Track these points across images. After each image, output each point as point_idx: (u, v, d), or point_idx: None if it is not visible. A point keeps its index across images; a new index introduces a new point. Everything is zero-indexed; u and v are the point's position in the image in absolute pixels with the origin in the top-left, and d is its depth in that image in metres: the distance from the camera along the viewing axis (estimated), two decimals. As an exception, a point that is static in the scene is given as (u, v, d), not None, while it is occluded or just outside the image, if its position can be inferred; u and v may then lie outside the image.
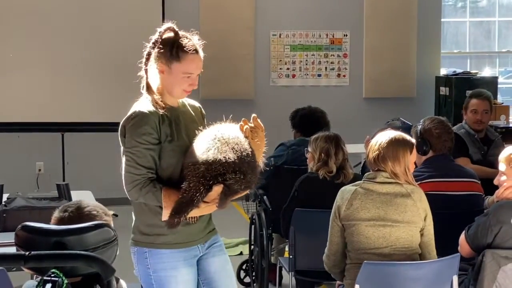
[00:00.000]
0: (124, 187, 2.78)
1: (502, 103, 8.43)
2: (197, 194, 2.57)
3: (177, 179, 2.71)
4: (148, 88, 2.87)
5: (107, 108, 7.45)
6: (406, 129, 4.42)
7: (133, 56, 7.34)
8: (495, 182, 3.40)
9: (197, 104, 3.06)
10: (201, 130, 2.77)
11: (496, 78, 8.73)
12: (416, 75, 8.69)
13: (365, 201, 3.25)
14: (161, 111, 2.79)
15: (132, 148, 2.75)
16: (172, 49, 2.80)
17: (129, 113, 2.81)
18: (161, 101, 2.83)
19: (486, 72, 9.34)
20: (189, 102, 3.02)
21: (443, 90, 8.47)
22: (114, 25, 7.49)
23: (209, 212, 2.88)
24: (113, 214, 7.46)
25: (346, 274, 3.29)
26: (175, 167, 2.76)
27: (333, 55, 8.56)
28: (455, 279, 3.17)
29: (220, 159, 2.57)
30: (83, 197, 4.76)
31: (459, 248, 3.35)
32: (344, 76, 8.62)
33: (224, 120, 2.76)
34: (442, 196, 3.96)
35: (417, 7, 8.60)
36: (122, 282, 2.23)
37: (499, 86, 8.63)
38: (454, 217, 3.85)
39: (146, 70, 2.87)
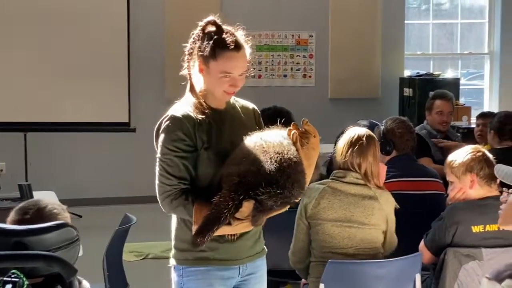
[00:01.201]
0: (157, 198, 2.55)
1: (464, 104, 8.54)
2: (225, 211, 2.29)
3: (216, 191, 2.39)
4: (192, 89, 2.60)
5: (70, 108, 7.39)
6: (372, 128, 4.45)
7: (94, 53, 7.40)
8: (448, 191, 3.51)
9: (251, 105, 2.75)
10: (250, 136, 2.47)
11: (458, 79, 8.84)
12: (381, 76, 8.76)
13: (333, 201, 3.26)
14: (199, 116, 2.52)
15: (163, 156, 2.51)
16: (208, 46, 2.52)
17: (163, 117, 2.58)
18: (203, 103, 2.56)
19: (449, 73, 9.45)
20: (242, 103, 2.73)
21: (407, 91, 8.55)
22: (75, 21, 7.41)
23: (245, 230, 2.54)
24: (77, 215, 7.45)
25: (311, 272, 3.31)
26: (213, 177, 2.47)
27: (299, 56, 8.59)
28: (418, 277, 3.21)
29: (253, 170, 2.29)
30: (46, 197, 4.71)
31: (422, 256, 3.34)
32: (310, 76, 8.66)
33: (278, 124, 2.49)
34: (405, 196, 3.99)
35: (381, 9, 8.67)
36: (85, 282, 2.20)
37: (461, 87, 8.75)
38: (417, 216, 3.88)
39: (189, 68, 2.60)
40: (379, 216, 3.28)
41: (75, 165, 8.03)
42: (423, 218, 3.66)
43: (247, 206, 2.30)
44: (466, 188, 3.33)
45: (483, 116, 6.04)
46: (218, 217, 2.29)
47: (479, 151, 3.39)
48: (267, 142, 2.36)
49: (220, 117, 2.59)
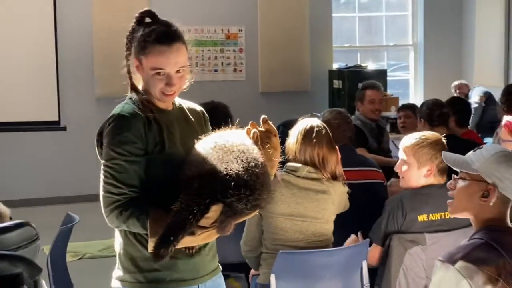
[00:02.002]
0: (103, 211, 2.21)
1: (392, 95, 8.75)
2: (190, 217, 2.00)
3: (170, 199, 2.08)
4: (133, 88, 2.34)
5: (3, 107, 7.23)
6: None
7: (21, 52, 7.23)
8: (397, 169, 3.51)
9: (198, 107, 2.50)
10: (201, 139, 2.23)
11: (385, 70, 9.05)
12: (310, 69, 8.87)
13: (286, 195, 3.27)
14: (149, 114, 2.26)
15: (110, 161, 2.20)
16: (139, 39, 2.25)
17: (107, 118, 2.28)
18: (149, 102, 2.29)
19: (376, 65, 9.66)
20: (189, 105, 2.46)
21: (336, 83, 8.70)
22: (0, 19, 7.23)
23: (207, 241, 2.25)
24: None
25: (262, 263, 3.33)
26: (167, 183, 2.16)
27: (229, 50, 8.61)
28: (365, 264, 3.28)
29: (219, 171, 2.05)
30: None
31: (370, 258, 3.33)
32: (240, 71, 8.69)
33: (230, 125, 2.27)
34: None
35: (308, 3, 8.78)
36: (42, 281, 2.18)
37: (388, 78, 8.95)
38: (358, 205, 3.95)
39: (127, 65, 2.32)
40: (331, 210, 3.33)
41: (5, 165, 7.83)
42: (363, 207, 3.73)
43: (215, 211, 2.02)
44: (419, 175, 3.38)
45: (404, 108, 6.27)
46: (182, 224, 2.00)
47: (441, 142, 3.39)
48: (229, 142, 2.12)
49: (168, 118, 2.32)
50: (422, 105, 5.12)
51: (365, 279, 3.28)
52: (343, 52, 9.68)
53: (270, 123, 2.27)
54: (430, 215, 3.25)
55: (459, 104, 5.44)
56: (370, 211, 3.56)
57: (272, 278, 3.11)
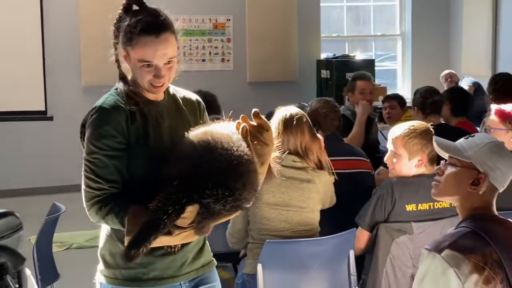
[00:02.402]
0: (84, 205, 2.18)
1: (380, 85, 8.74)
2: (164, 217, 1.91)
3: (153, 196, 2.00)
4: (121, 77, 2.25)
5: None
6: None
7: (8, 41, 7.15)
8: (386, 161, 3.49)
9: (194, 97, 2.38)
10: (191, 131, 2.11)
11: (373, 60, 9.05)
12: (298, 59, 8.85)
13: (271, 184, 3.18)
14: (133, 107, 2.17)
15: (90, 155, 2.14)
16: (125, 30, 2.14)
17: (90, 109, 2.21)
18: (136, 94, 2.20)
19: (364, 55, 9.66)
20: (184, 94, 2.35)
21: (324, 73, 8.68)
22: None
23: (187, 241, 2.18)
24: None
25: (249, 254, 3.32)
26: (150, 179, 2.08)
27: (217, 40, 8.58)
28: (352, 253, 3.29)
29: (197, 170, 1.94)
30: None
31: (356, 243, 3.32)
32: (228, 60, 8.66)
33: (224, 117, 2.17)
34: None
35: (297, -8, 8.76)
36: (26, 269, 2.15)
37: (376, 68, 8.95)
38: (346, 195, 3.95)
39: (115, 54, 2.23)
40: (317, 200, 3.31)
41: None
42: (351, 197, 3.73)
43: (191, 211, 1.94)
44: (410, 165, 3.36)
45: (388, 99, 6.30)
46: (156, 224, 1.91)
47: (430, 131, 3.36)
48: (214, 138, 2.01)
49: (157, 110, 2.23)
50: (415, 92, 5.09)
51: (352, 268, 3.29)
52: (331, 42, 9.67)
53: (262, 117, 2.12)
54: (419, 204, 3.24)
55: (457, 92, 5.45)
56: (357, 200, 3.55)
57: (259, 267, 3.10)
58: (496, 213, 2.28)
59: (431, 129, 3.40)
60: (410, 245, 3.23)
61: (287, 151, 3.28)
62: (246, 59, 8.68)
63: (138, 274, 2.19)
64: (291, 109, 3.37)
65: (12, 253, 1.81)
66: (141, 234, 1.91)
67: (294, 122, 3.30)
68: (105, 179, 2.12)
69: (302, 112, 3.39)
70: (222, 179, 1.93)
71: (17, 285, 1.81)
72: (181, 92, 2.35)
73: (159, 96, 2.25)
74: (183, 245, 2.22)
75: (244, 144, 2.02)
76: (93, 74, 7.60)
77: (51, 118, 7.34)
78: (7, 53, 7.23)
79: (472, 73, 8.95)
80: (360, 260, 3.40)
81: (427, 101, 4.87)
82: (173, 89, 2.33)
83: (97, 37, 7.67)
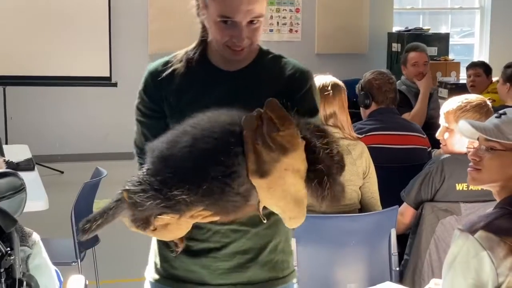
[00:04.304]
0: None
1: (453, 60, 8.40)
2: (111, 206, 1.65)
3: None
4: (203, 32, 1.90)
5: (50, 62, 7.24)
6: None
7: (74, 5, 7.20)
8: (438, 136, 3.29)
9: (293, 68, 1.89)
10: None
11: (448, 34, 8.69)
12: (369, 31, 8.60)
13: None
14: (177, 68, 1.85)
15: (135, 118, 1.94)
16: None
17: None
18: (196, 55, 1.87)
19: (443, 29, 9.28)
20: (284, 63, 1.90)
21: (395, 47, 8.40)
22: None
23: (170, 239, 1.76)
24: (58, 171, 7.36)
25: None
26: None
27: (285, 10, 8.40)
28: (393, 232, 3.11)
29: (159, 162, 1.59)
30: (18, 151, 4.59)
31: (400, 218, 3.15)
32: (296, 31, 8.48)
33: None
34: (386, 150, 3.89)
35: (370, -38, 8.48)
36: (35, 234, 2.09)
37: (453, 43, 8.60)
38: (397, 171, 3.79)
39: (202, 21, 1.89)
40: (351, 172, 3.13)
41: (55, 120, 7.88)
42: (405, 173, 3.55)
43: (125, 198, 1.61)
44: (463, 141, 3.12)
45: (474, 66, 5.89)
46: (103, 211, 1.66)
47: (487, 105, 3.16)
48: (191, 129, 1.60)
49: (225, 82, 1.84)
50: (508, 66, 4.73)
51: (393, 247, 3.11)
52: (405, 14, 9.33)
53: (282, 108, 1.53)
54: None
55: None
56: (411, 177, 3.36)
57: (293, 242, 2.96)
58: (539, 193, 2.08)
59: (488, 103, 3.18)
60: (457, 226, 3.01)
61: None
62: (315, 30, 8.47)
63: (150, 272, 1.97)
64: (324, 79, 3.22)
65: (4, 214, 1.73)
66: (95, 213, 1.67)
67: (329, 93, 3.14)
68: (137, 145, 1.94)
69: (336, 82, 3.23)
70: (155, 169, 1.58)
71: (8, 249, 1.73)
72: (281, 61, 1.90)
73: (238, 64, 1.85)
74: (208, 251, 1.86)
75: (212, 141, 1.55)
76: (161, 40, 7.57)
77: (115, 85, 7.35)
78: (73, 18, 7.27)
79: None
80: (404, 240, 3.22)
81: None
82: (273, 54, 1.91)
83: (166, 4, 7.73)
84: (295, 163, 1.53)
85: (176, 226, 1.63)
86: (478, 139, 2.17)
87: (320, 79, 3.19)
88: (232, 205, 1.58)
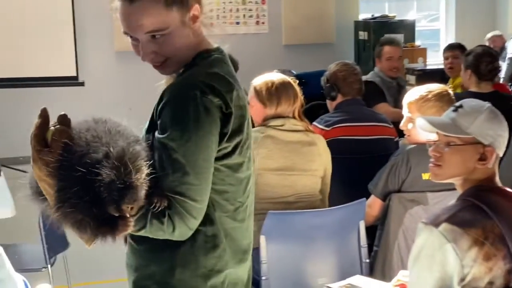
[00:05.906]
0: None
1: (420, 46, 8.44)
2: None
3: None
4: None
5: (14, 62, 7.14)
6: None
7: (38, 5, 7.09)
8: (402, 127, 3.29)
9: (170, 86, 1.78)
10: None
11: (414, 21, 8.72)
12: (335, 20, 8.59)
13: (272, 150, 3.16)
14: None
15: None
16: None
17: None
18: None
19: (410, 14, 9.31)
20: (178, 81, 1.81)
21: (362, 35, 8.42)
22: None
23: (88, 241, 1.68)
24: (23, 171, 7.29)
25: (250, 225, 3.20)
26: None
27: (251, 2, 8.37)
28: (362, 224, 3.12)
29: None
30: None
31: (368, 210, 3.18)
32: (263, 23, 8.45)
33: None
34: (353, 141, 3.90)
35: (334, -50, 8.47)
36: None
37: (419, 29, 8.62)
38: (365, 161, 3.80)
39: None
40: (319, 162, 3.23)
41: (23, 121, 7.77)
42: (373, 164, 3.55)
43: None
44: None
45: (451, 48, 5.84)
46: None
47: (449, 93, 3.17)
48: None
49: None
50: (469, 53, 4.66)
51: (362, 240, 3.12)
52: (370, 2, 9.34)
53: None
54: None
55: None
56: (379, 167, 3.37)
57: (262, 239, 2.96)
58: (499, 183, 2.09)
59: (449, 91, 3.19)
60: (425, 216, 3.02)
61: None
62: (281, 21, 8.45)
63: None
64: (274, 76, 3.29)
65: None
66: None
67: (287, 88, 3.22)
68: None
69: (284, 78, 3.29)
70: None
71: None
72: (180, 81, 1.80)
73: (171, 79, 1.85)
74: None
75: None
76: (127, 37, 7.45)
77: (82, 84, 7.28)
78: (37, 18, 7.17)
79: (520, 33, 8.56)
80: (373, 231, 3.23)
81: (482, 65, 4.37)
82: (188, 74, 1.80)
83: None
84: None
85: None
86: (437, 133, 2.18)
87: (266, 78, 3.27)
88: None
